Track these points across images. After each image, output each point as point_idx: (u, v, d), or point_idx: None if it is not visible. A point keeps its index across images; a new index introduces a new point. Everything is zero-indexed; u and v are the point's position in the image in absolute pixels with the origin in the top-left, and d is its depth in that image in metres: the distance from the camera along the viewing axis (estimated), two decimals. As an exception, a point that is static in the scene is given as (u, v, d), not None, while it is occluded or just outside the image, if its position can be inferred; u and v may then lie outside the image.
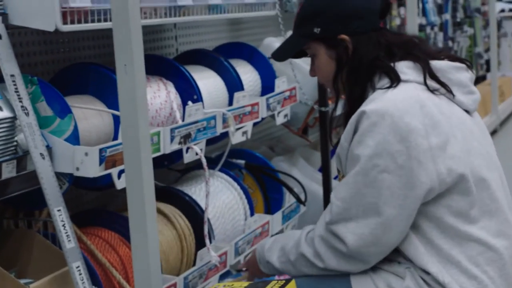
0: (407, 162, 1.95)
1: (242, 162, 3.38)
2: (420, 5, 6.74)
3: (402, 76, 2.06)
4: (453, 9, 8.00)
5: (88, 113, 2.37)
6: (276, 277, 2.23)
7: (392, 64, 2.09)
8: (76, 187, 2.70)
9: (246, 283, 2.03)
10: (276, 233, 3.30)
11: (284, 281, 1.98)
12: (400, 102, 2.00)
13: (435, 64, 2.10)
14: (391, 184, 1.95)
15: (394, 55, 2.11)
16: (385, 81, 2.08)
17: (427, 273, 2.00)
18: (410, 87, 2.05)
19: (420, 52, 2.13)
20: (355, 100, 2.12)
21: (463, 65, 2.15)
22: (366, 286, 2.05)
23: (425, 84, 2.07)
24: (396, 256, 2.06)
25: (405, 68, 2.09)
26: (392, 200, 1.96)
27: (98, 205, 3.06)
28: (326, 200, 3.59)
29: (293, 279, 2.00)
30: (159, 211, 2.73)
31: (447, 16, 7.70)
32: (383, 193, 1.96)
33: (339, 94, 2.21)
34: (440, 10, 7.48)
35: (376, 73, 2.10)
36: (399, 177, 1.95)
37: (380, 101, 2.01)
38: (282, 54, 2.34)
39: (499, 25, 9.14)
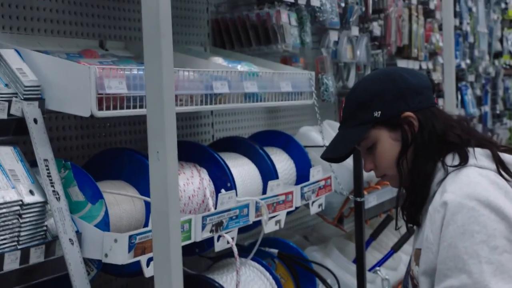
0: None
1: (275, 251, 3.33)
2: (459, 97, 6.72)
3: (478, 162, 2.03)
4: (493, 101, 7.96)
5: (120, 199, 2.36)
6: None
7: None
8: (105, 273, 2.67)
9: None
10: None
11: None
12: (488, 185, 1.96)
13: (504, 157, 2.07)
14: None
15: (459, 137, 2.08)
16: (457, 160, 2.04)
17: None
18: (489, 173, 2.01)
19: (485, 140, 2.10)
20: (424, 179, 2.07)
21: None
22: None
23: (499, 173, 2.03)
24: None
25: (478, 155, 2.05)
26: None
27: (128, 291, 3.02)
28: (360, 293, 3.50)
29: None
30: (188, 300, 2.68)
31: (487, 108, 7.66)
32: None
33: (403, 177, 2.13)
34: (479, 101, 7.45)
35: (448, 151, 2.06)
36: None
37: (467, 186, 1.96)
38: (339, 150, 2.19)
39: (539, 118, 9.05)
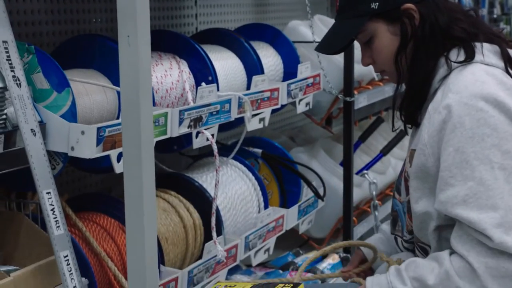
0: None
1: (259, 151, 3.18)
2: (457, -2, 6.50)
3: (485, 59, 1.85)
4: (490, 5, 7.73)
5: (91, 89, 2.18)
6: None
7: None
8: (77, 169, 2.52)
9: (249, 284, 1.84)
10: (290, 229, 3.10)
11: (292, 285, 1.78)
12: (495, 85, 1.79)
13: None
14: None
15: (465, 31, 1.90)
16: (462, 56, 1.87)
17: None
18: (496, 71, 1.84)
19: (494, 35, 1.92)
20: (424, 75, 1.90)
21: None
22: None
23: (507, 71, 1.86)
24: None
25: (486, 50, 1.87)
26: None
27: (103, 188, 2.88)
28: (346, 196, 3.38)
29: (302, 283, 1.80)
30: (164, 199, 2.54)
31: (484, 12, 7.43)
32: None
33: (401, 74, 1.97)
34: (477, 4, 7.22)
35: (453, 46, 1.89)
36: None
37: (473, 84, 1.78)
38: (334, 44, 2.05)
39: (537, 24, 8.85)
